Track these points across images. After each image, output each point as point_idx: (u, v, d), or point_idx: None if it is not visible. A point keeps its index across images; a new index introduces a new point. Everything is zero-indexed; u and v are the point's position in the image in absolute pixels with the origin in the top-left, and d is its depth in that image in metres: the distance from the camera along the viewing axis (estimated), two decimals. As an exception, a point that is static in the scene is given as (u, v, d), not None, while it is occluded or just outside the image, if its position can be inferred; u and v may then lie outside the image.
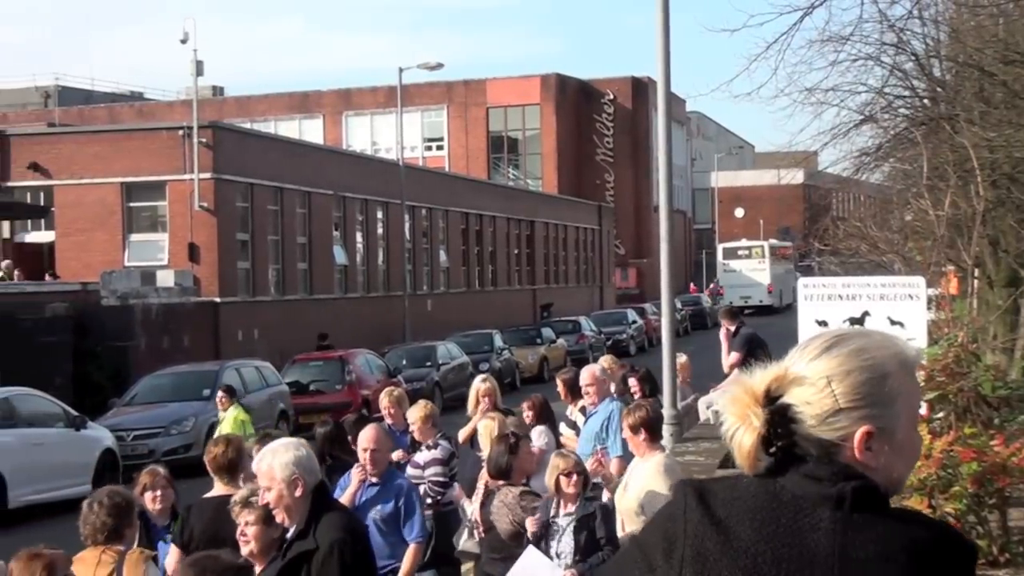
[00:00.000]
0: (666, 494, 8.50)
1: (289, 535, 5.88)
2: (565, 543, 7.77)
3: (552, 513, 8.03)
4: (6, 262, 36.29)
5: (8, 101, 72.02)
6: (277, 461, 5.80)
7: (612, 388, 12.17)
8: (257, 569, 6.07)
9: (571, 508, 7.92)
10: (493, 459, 8.65)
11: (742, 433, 2.41)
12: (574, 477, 7.96)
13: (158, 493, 8.23)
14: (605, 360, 13.62)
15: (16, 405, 20.31)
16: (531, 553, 7.57)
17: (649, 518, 2.54)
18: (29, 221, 37.66)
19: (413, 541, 8.46)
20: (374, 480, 8.57)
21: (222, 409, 20.00)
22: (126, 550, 6.74)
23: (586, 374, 11.23)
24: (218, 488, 7.72)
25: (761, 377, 2.44)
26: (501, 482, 8.56)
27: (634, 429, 8.78)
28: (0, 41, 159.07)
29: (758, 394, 2.42)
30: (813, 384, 2.40)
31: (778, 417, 2.40)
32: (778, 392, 2.42)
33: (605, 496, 9.07)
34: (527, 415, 11.31)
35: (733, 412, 2.43)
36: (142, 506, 8.03)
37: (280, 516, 5.81)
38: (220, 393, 20.18)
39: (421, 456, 10.58)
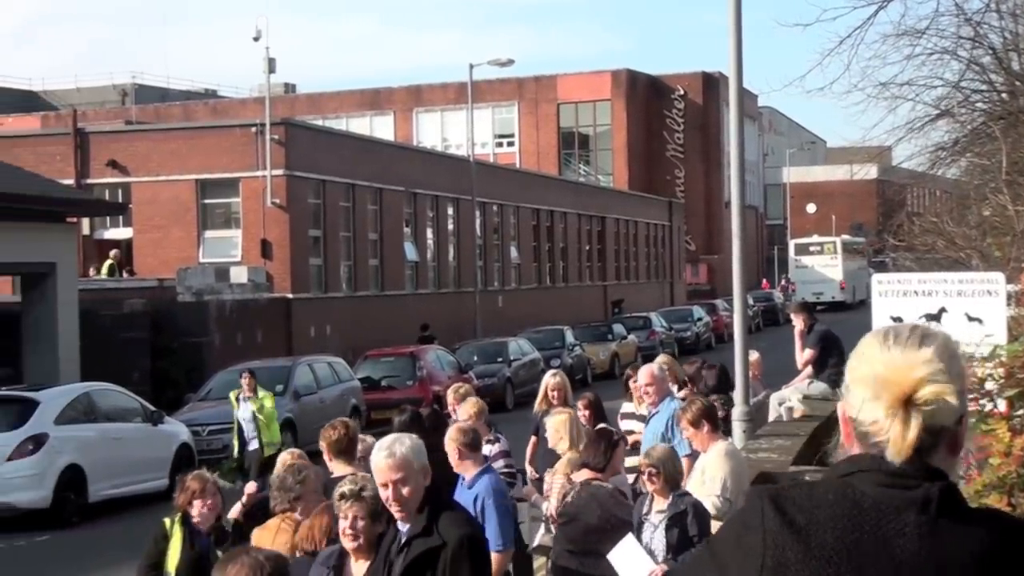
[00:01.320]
0: (731, 477, 8.49)
1: (405, 533, 5.58)
2: (657, 540, 7.76)
3: (644, 510, 8.03)
4: (114, 251, 37.11)
5: (87, 99, 73.09)
6: (412, 451, 5.60)
7: (674, 387, 12.07)
8: (363, 566, 6.00)
9: (663, 505, 7.91)
10: (592, 453, 8.60)
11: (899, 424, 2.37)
12: (653, 474, 7.95)
13: (208, 501, 8.05)
14: (662, 360, 13.39)
15: (96, 400, 20.60)
16: (629, 542, 7.56)
17: (725, 520, 2.53)
18: (108, 218, 38.16)
19: (495, 550, 8.01)
20: (465, 480, 8.44)
21: (249, 392, 20.94)
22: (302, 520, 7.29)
23: (644, 374, 11.02)
24: (338, 470, 8.12)
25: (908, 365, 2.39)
26: (592, 475, 8.52)
27: (694, 423, 8.78)
28: (80, 40, 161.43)
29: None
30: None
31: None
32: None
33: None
34: (583, 414, 11.25)
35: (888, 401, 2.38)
36: (187, 512, 8.01)
37: (403, 512, 5.55)
38: (247, 377, 21.22)
39: (486, 449, 10.63)
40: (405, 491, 5.48)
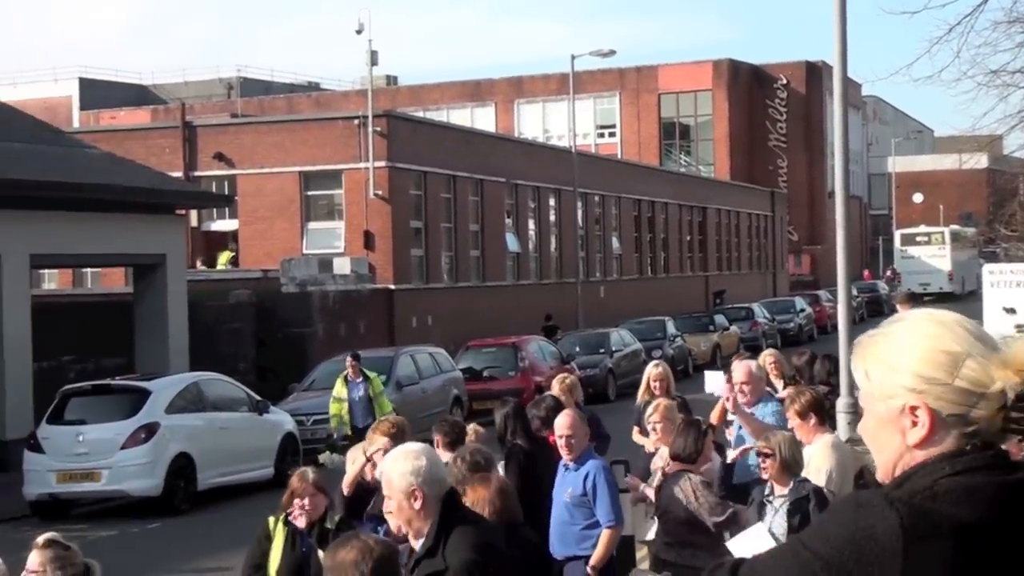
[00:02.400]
0: (836, 470, 8.41)
1: (417, 550, 5.39)
2: (778, 523, 7.73)
3: (766, 492, 8.02)
4: (231, 245, 37.95)
5: (194, 93, 74.23)
6: (395, 470, 5.37)
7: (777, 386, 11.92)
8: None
9: (784, 490, 7.88)
10: (682, 444, 8.60)
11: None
12: (768, 460, 7.92)
13: (306, 501, 7.85)
14: (768, 354, 13.18)
15: (204, 390, 20.94)
16: (758, 529, 7.53)
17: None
18: (214, 210, 38.77)
19: (606, 525, 8.43)
20: (570, 465, 8.64)
21: (355, 375, 21.69)
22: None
23: (742, 371, 10.57)
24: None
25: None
26: (681, 467, 8.52)
27: (802, 414, 8.70)
28: (187, 35, 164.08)
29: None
30: None
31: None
32: None
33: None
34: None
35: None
36: (288, 512, 7.88)
37: (396, 526, 5.44)
38: (351, 360, 21.96)
39: None
40: (392, 507, 5.35)
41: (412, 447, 5.59)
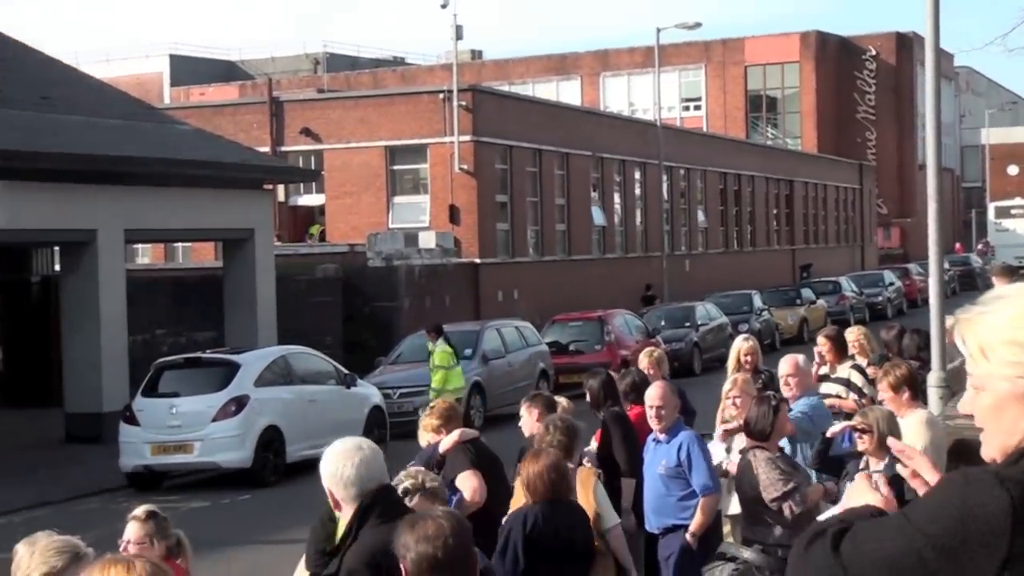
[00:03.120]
0: (931, 448, 8.30)
1: None
2: None
3: (860, 466, 7.97)
4: (319, 219, 38.53)
5: (281, 68, 74.73)
6: (322, 467, 5.26)
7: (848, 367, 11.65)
8: None
9: (879, 465, 7.83)
10: (753, 419, 8.55)
11: None
12: (866, 436, 7.86)
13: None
14: (853, 332, 12.66)
15: (292, 363, 21.15)
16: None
17: (936, 498, 2.34)
18: (301, 184, 39.10)
19: (702, 494, 8.45)
20: (661, 437, 8.67)
21: (431, 343, 23.25)
22: (574, 468, 7.54)
23: (788, 363, 10.05)
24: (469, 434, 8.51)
25: None
26: (753, 443, 8.48)
27: (895, 387, 8.60)
28: (274, 11, 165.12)
29: None
30: None
31: None
32: None
33: None
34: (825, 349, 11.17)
35: None
36: None
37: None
38: (427, 331, 23.50)
39: None
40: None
41: (336, 447, 5.34)
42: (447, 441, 8.73)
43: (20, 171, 22.21)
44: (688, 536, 8.58)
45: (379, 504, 5.06)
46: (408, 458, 8.67)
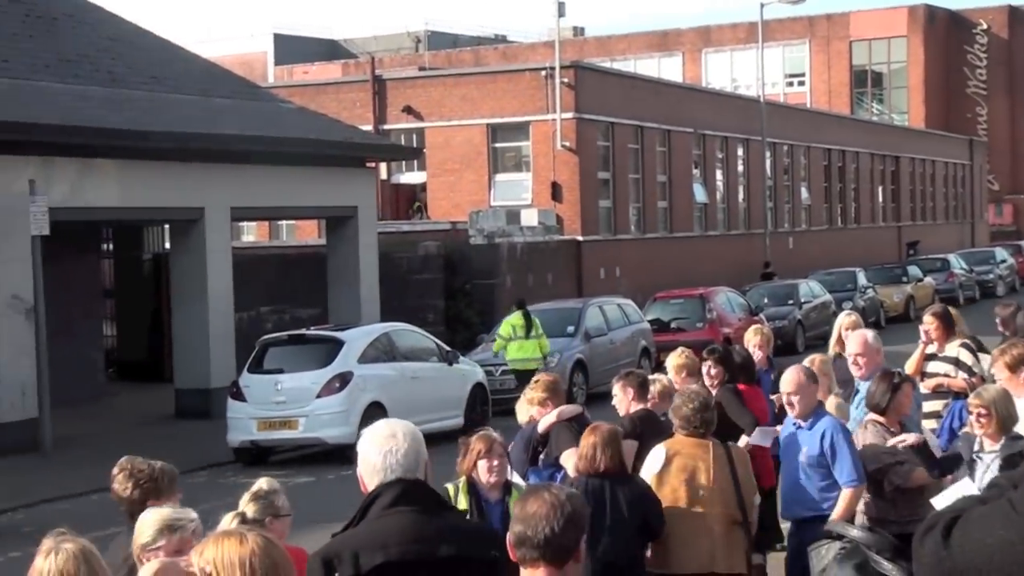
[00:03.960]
0: None
1: None
2: (989, 480, 7.57)
3: (976, 448, 7.86)
4: (421, 196, 38.90)
5: (383, 47, 75.16)
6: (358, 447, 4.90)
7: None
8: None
9: (995, 446, 7.71)
10: (872, 394, 8.44)
11: None
12: (984, 418, 7.75)
13: (495, 463, 7.18)
14: (931, 312, 11.84)
15: (395, 340, 21.31)
16: (966, 485, 7.41)
17: None
18: (403, 162, 39.35)
19: (846, 485, 8.02)
20: (802, 423, 8.31)
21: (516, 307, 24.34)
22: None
23: (856, 342, 9.64)
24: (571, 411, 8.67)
25: None
26: (873, 418, 8.38)
27: (1012, 367, 8.42)
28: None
29: None
30: None
31: None
32: None
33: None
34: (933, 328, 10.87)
35: None
36: (472, 477, 7.26)
37: None
38: (515, 307, 24.27)
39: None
40: None
41: (370, 429, 4.96)
42: (547, 420, 8.77)
43: (131, 150, 22.64)
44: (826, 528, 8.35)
45: (385, 498, 4.68)
46: (510, 435, 8.71)
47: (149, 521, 5.05)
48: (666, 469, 7.80)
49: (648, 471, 7.87)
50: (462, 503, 7.12)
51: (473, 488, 7.10)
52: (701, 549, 7.78)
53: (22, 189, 20.25)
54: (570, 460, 8.24)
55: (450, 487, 7.24)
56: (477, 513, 6.99)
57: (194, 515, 5.14)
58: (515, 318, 23.96)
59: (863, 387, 9.31)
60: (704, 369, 10.44)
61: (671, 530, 7.71)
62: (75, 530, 4.89)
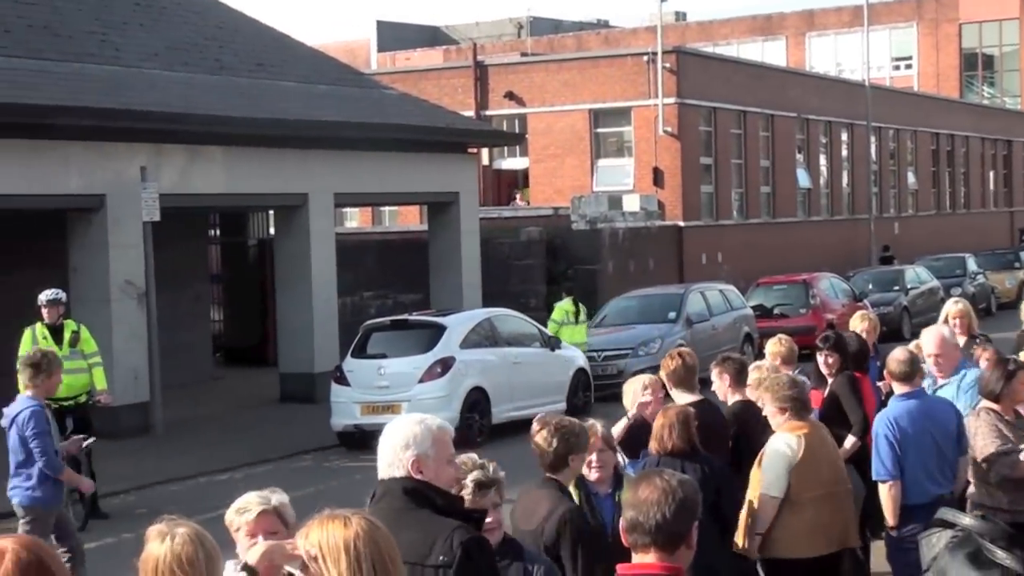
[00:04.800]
0: None
1: None
2: None
3: None
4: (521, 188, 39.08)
5: (485, 33, 75.29)
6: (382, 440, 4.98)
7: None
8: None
9: None
10: (985, 381, 8.33)
11: None
12: None
13: (595, 459, 6.94)
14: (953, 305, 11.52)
15: (497, 325, 21.37)
16: None
17: None
18: (505, 148, 39.42)
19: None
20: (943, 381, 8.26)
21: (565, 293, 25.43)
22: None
23: (933, 342, 8.96)
24: (682, 398, 8.47)
25: None
26: (987, 405, 8.25)
27: None
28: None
29: None
30: None
31: None
32: None
33: None
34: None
35: None
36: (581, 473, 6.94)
37: None
38: (564, 294, 25.16)
39: None
40: None
41: (395, 422, 5.17)
42: (619, 427, 8.74)
43: (238, 137, 22.95)
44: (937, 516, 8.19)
45: (391, 493, 4.69)
46: (614, 422, 8.70)
47: (237, 502, 5.14)
48: (808, 454, 7.78)
49: (786, 461, 7.79)
50: (574, 497, 6.87)
51: (583, 482, 6.88)
52: (844, 525, 7.95)
53: (134, 176, 20.64)
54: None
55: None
56: (588, 507, 6.68)
57: (282, 496, 5.17)
58: (567, 304, 24.63)
59: (946, 390, 8.97)
60: (820, 359, 10.38)
61: (817, 514, 7.72)
62: (184, 512, 5.00)
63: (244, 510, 4.98)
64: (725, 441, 8.49)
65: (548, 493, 6.38)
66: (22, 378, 10.92)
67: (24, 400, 10.75)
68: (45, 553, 3.22)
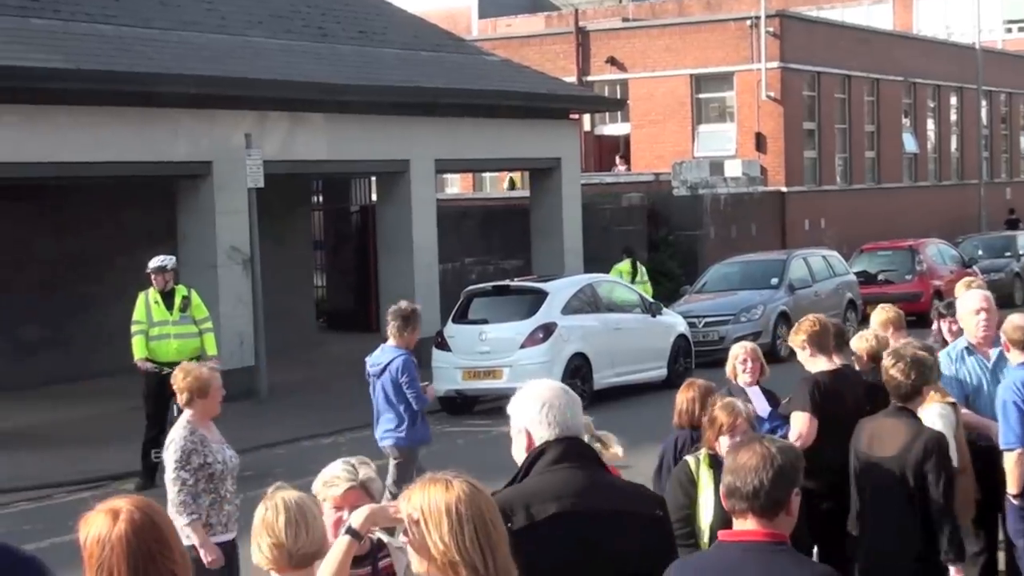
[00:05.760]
0: None
1: None
2: None
3: None
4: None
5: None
6: (516, 405, 4.75)
7: None
8: None
9: None
10: None
11: None
12: None
13: (738, 439, 6.41)
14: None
15: (598, 291, 21.36)
16: None
17: None
18: (607, 114, 39.26)
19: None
20: None
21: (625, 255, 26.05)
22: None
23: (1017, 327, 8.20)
24: (818, 364, 8.31)
25: None
26: None
27: None
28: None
29: None
30: None
31: None
32: None
33: None
34: None
35: None
36: (716, 451, 6.79)
37: None
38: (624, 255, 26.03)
39: None
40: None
41: (532, 386, 4.87)
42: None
43: (340, 104, 23.13)
44: None
45: (551, 454, 4.60)
46: (716, 389, 8.62)
47: (323, 473, 5.22)
48: (957, 430, 7.59)
49: (952, 431, 7.46)
50: (704, 478, 6.78)
51: (716, 462, 6.62)
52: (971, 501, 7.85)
53: (239, 143, 20.91)
54: (795, 424, 8.10)
55: (691, 460, 6.95)
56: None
57: (363, 472, 5.20)
58: (624, 265, 25.57)
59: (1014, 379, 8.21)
60: (944, 326, 9.92)
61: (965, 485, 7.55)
62: (289, 475, 5.10)
63: (331, 484, 5.05)
64: (860, 411, 8.15)
65: (906, 422, 6.79)
66: (391, 329, 11.79)
67: (392, 350, 11.69)
68: (157, 513, 3.37)
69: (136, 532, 3.22)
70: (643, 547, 4.55)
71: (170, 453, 8.24)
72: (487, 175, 40.49)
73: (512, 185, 39.02)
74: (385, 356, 11.87)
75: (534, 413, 4.65)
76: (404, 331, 11.73)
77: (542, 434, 4.63)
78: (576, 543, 4.00)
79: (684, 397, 8.06)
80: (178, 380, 8.40)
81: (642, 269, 25.99)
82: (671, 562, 4.51)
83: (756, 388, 9.32)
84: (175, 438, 8.24)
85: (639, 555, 4.53)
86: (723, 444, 6.65)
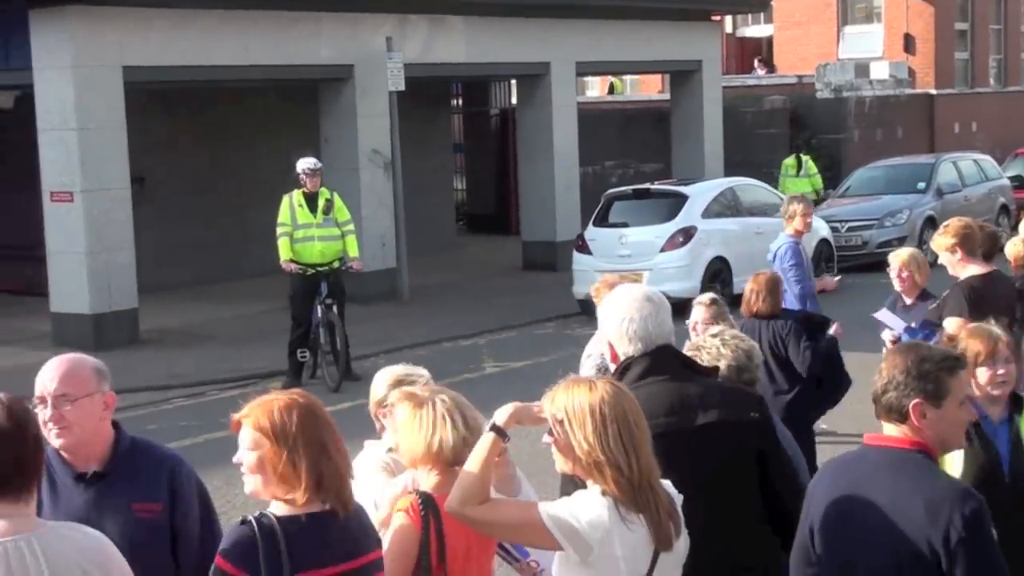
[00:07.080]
0: None
1: None
2: None
3: None
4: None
5: None
6: (603, 315, 4.74)
7: None
8: None
9: None
10: None
11: None
12: None
13: (1000, 371, 5.16)
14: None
15: (739, 195, 21.11)
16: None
17: None
18: (749, 15, 38.50)
19: None
20: None
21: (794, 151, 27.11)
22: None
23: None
24: (970, 269, 8.16)
25: None
26: None
27: None
28: None
29: None
30: None
31: None
32: None
33: None
34: None
35: None
36: None
37: None
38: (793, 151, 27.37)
39: None
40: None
41: (620, 295, 4.77)
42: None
43: (479, 6, 23.05)
44: None
45: (637, 368, 4.54)
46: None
47: (382, 377, 5.22)
48: None
49: None
50: None
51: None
52: None
53: (379, 46, 21.01)
54: (954, 325, 7.92)
55: None
56: (976, 436, 4.97)
57: (424, 372, 5.22)
58: (790, 160, 26.88)
59: None
60: None
61: None
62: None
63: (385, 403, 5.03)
64: (1012, 316, 7.90)
65: None
66: (784, 217, 12.23)
67: (783, 237, 12.13)
68: (316, 404, 3.88)
69: (302, 418, 3.85)
70: (736, 455, 4.51)
71: None
72: (627, 78, 40.08)
73: (612, 90, 38.68)
74: (776, 243, 12.26)
75: (614, 327, 4.60)
76: (793, 220, 12.09)
77: (625, 348, 4.57)
78: (666, 465, 3.95)
79: (748, 288, 8.92)
80: None
81: (807, 164, 26.70)
82: (774, 464, 4.56)
83: (884, 311, 9.24)
84: None
85: (731, 463, 4.49)
86: (981, 377, 5.13)
